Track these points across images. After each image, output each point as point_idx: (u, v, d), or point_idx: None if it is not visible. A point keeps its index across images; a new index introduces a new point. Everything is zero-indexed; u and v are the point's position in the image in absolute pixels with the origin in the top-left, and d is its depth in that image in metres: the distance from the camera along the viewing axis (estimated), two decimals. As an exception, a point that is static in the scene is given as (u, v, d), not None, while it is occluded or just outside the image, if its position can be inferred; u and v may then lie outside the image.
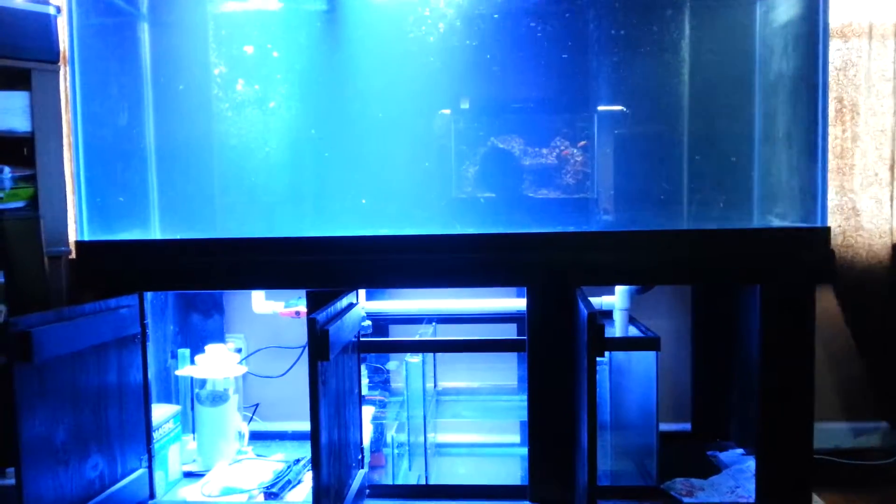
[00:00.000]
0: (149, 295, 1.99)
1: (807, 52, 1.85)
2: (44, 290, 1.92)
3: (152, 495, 1.94)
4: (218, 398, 2.12)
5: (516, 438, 2.49)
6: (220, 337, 2.47)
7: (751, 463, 2.06)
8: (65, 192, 2.01)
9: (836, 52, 2.31)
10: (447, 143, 2.08)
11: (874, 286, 2.38)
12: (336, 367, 1.70)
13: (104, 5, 2.03)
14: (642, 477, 2.08)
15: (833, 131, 2.32)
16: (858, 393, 2.51)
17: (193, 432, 2.22)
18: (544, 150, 2.06)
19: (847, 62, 2.32)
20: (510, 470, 2.45)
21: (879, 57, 2.32)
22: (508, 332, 2.41)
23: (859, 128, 2.34)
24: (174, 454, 2.07)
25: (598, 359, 1.53)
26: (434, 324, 2.34)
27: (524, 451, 1.96)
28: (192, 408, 2.22)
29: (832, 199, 2.34)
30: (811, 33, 1.83)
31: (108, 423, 1.77)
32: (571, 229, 1.93)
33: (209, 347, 2.16)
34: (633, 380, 2.12)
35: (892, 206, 2.35)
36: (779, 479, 1.83)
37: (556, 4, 2.02)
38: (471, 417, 2.48)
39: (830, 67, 2.30)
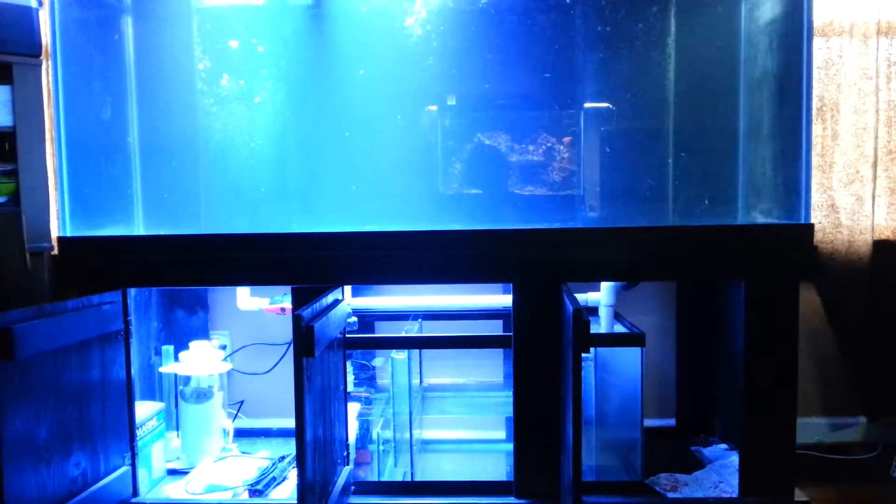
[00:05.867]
0: (132, 291, 1.97)
1: (791, 50, 1.86)
2: (26, 287, 1.90)
3: (135, 493, 1.93)
4: (202, 395, 2.11)
5: (502, 434, 2.50)
6: (204, 333, 2.46)
7: (734, 458, 2.08)
8: (47, 187, 1.98)
9: (818, 51, 2.33)
10: (433, 139, 2.07)
11: (854, 283, 2.40)
12: (321, 364, 1.69)
13: (87, -2, 2.01)
14: (627, 472, 2.09)
15: (814, 129, 2.34)
16: (841, 388, 2.53)
17: (177, 429, 2.20)
18: (531, 147, 2.06)
19: (828, 61, 2.34)
20: (496, 466, 2.46)
21: (860, 55, 2.34)
22: (494, 328, 2.42)
23: (840, 126, 2.35)
24: (158, 452, 2.05)
25: (583, 355, 1.54)
26: (420, 320, 2.33)
27: (510, 447, 1.96)
28: (177, 405, 2.20)
29: (812, 196, 2.36)
30: (795, 31, 1.85)
31: (90, 420, 1.76)
32: (558, 226, 1.94)
33: (193, 344, 2.15)
34: (618, 376, 2.13)
35: (873, 203, 2.37)
36: (762, 473, 1.85)
37: (542, 1, 2.02)
38: (457, 414, 2.49)
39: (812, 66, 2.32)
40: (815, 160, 2.34)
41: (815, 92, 2.32)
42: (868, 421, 2.52)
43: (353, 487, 1.96)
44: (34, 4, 1.95)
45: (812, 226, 1.81)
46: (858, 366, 2.46)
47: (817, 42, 2.32)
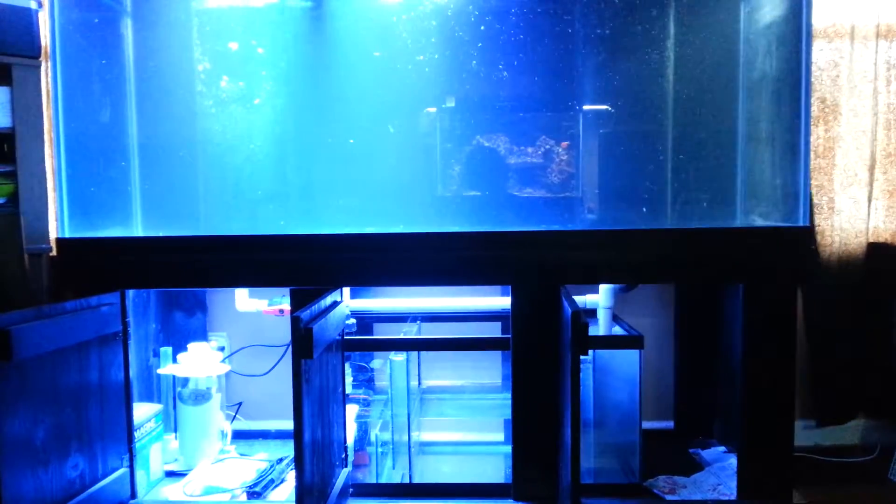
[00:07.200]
0: (131, 293, 1.97)
1: (790, 53, 1.86)
2: (24, 288, 1.89)
3: (133, 495, 1.93)
4: (200, 397, 2.11)
5: (500, 437, 2.50)
6: (202, 335, 2.46)
7: (733, 460, 2.08)
8: (45, 188, 1.98)
9: (820, 53, 2.33)
10: (433, 141, 2.07)
11: (850, 285, 2.40)
12: (320, 366, 1.69)
13: (86, 0, 2.01)
14: (625, 474, 2.09)
15: (815, 131, 2.34)
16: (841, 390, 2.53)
17: (175, 431, 2.20)
18: (529, 149, 2.06)
19: (830, 63, 2.34)
20: (494, 468, 2.46)
21: (861, 58, 2.34)
22: (493, 330, 2.42)
23: (841, 128, 2.35)
24: (156, 453, 2.05)
25: (581, 357, 1.54)
26: (419, 322, 2.33)
27: (508, 449, 1.96)
28: (175, 407, 2.20)
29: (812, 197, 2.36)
30: (795, 34, 1.85)
31: (89, 422, 1.76)
32: (556, 228, 1.94)
33: (192, 346, 2.15)
34: (616, 378, 2.13)
35: (868, 205, 2.37)
36: (760, 476, 1.85)
37: (541, 4, 2.02)
38: (455, 416, 2.49)
39: (814, 68, 2.32)
40: (815, 162, 2.34)
41: (818, 94, 2.32)
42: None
43: (351, 489, 1.96)
44: (34, 6, 1.95)
45: (810, 228, 1.81)
46: (850, 368, 2.45)
47: (819, 44, 2.32)
